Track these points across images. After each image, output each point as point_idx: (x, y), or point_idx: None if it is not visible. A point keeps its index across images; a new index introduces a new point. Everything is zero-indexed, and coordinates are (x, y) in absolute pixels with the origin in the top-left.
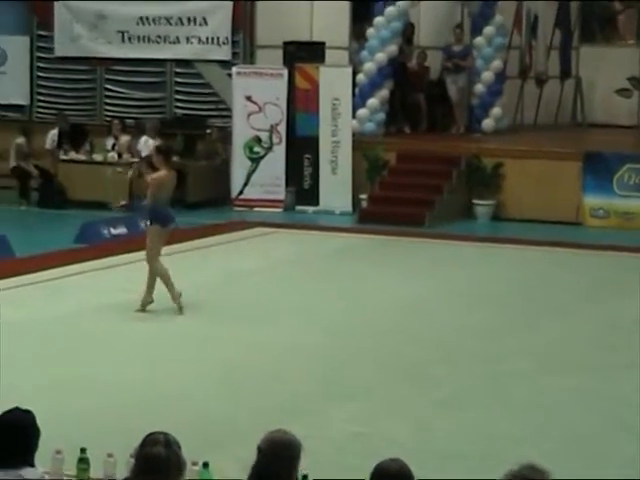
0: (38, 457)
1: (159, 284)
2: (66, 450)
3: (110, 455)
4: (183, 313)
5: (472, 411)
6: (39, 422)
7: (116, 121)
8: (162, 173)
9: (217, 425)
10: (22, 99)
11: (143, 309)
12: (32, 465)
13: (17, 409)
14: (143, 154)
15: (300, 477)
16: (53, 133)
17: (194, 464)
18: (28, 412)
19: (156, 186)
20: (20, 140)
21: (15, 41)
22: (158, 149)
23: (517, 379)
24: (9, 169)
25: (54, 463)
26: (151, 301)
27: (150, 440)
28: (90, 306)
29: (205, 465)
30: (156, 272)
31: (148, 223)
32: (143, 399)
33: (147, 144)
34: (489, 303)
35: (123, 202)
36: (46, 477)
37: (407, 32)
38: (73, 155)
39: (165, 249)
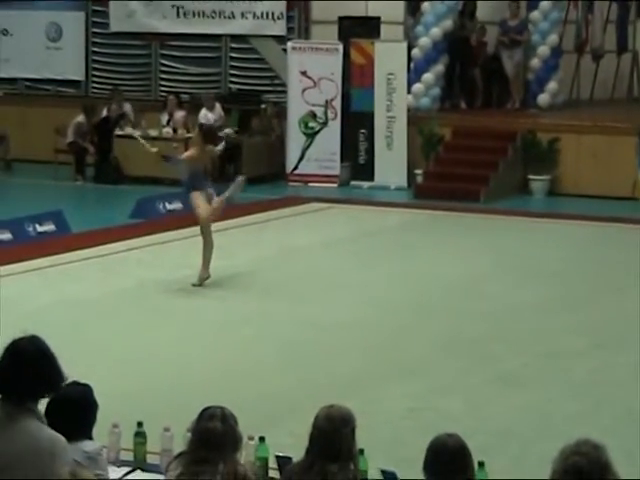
0: (96, 431)
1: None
2: (123, 424)
3: (167, 429)
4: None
5: (528, 388)
6: (97, 396)
7: (172, 96)
8: (190, 152)
9: (274, 401)
10: (77, 75)
11: (200, 284)
12: (91, 438)
13: (75, 383)
14: None
15: (477, 465)
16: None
17: (250, 439)
18: (86, 386)
19: (187, 162)
20: (80, 119)
21: (70, 16)
22: (200, 127)
23: (574, 356)
24: (66, 145)
25: (111, 437)
26: (208, 276)
27: (207, 414)
28: (147, 282)
29: (261, 439)
30: (208, 237)
31: (192, 191)
32: (200, 374)
33: (207, 117)
34: (545, 279)
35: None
36: (104, 450)
37: (469, 7)
38: (129, 130)
39: (220, 224)
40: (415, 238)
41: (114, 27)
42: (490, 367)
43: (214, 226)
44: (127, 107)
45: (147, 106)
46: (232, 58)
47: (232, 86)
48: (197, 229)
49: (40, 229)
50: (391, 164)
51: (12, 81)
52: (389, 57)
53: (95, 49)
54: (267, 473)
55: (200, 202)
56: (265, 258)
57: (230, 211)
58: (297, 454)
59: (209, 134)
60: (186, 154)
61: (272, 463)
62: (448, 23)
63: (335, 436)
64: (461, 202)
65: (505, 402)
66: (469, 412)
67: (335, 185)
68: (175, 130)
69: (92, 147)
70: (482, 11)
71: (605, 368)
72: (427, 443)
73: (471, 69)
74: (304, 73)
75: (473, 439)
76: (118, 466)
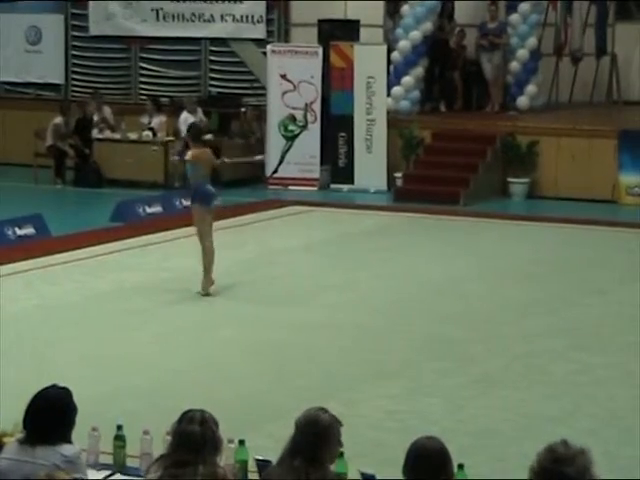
0: (75, 434)
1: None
2: (102, 427)
3: (146, 432)
4: (207, 295)
5: (508, 389)
6: (76, 399)
7: (148, 102)
8: (194, 151)
9: (253, 403)
10: (57, 78)
11: (206, 293)
12: (70, 442)
13: (54, 386)
14: (183, 131)
15: (456, 466)
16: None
17: (230, 442)
18: (65, 389)
19: (192, 162)
20: (58, 120)
21: (50, 19)
22: (187, 129)
23: (553, 357)
24: (45, 148)
25: (91, 440)
26: (212, 283)
27: (186, 417)
28: (126, 285)
29: (241, 443)
30: (207, 250)
31: (190, 202)
32: (180, 377)
33: (187, 121)
34: (524, 281)
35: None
36: (83, 454)
37: (447, 9)
38: (108, 134)
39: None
40: (395, 240)
41: (94, 30)
42: (469, 368)
43: (193, 229)
44: (107, 110)
45: (127, 109)
46: (212, 61)
47: (212, 89)
48: (177, 232)
49: (20, 232)
50: (371, 167)
51: None
52: (369, 60)
53: (75, 52)
54: (247, 476)
55: (199, 223)
56: (245, 261)
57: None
58: (277, 457)
59: (197, 133)
60: (188, 155)
61: (252, 466)
62: (428, 26)
63: (312, 439)
64: (441, 205)
65: (485, 403)
66: (448, 414)
67: (315, 188)
68: (155, 134)
69: (72, 150)
70: (461, 14)
71: (584, 369)
72: (407, 445)
73: (451, 72)
74: (284, 76)
75: (453, 441)
76: (98, 469)
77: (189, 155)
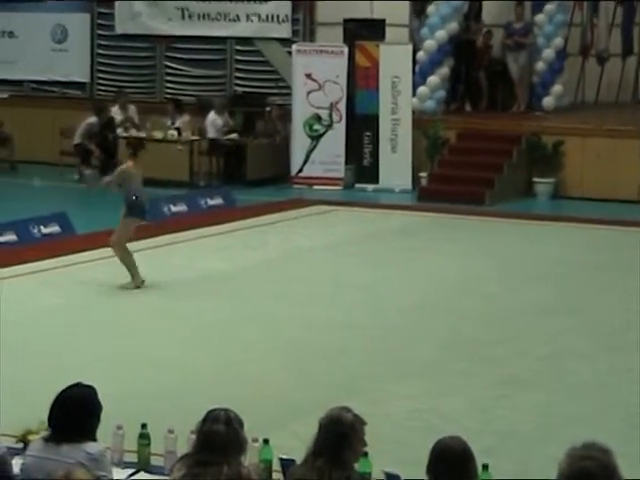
0: (99, 432)
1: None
2: (127, 426)
3: (171, 431)
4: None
5: (532, 390)
6: (100, 398)
7: (170, 104)
8: (126, 165)
9: (277, 402)
10: (83, 76)
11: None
12: (94, 440)
13: (79, 384)
14: (210, 131)
15: (481, 467)
16: (114, 110)
17: (254, 441)
18: (90, 387)
19: (121, 178)
20: (92, 120)
21: (76, 18)
22: (127, 142)
23: (577, 358)
24: (72, 146)
25: (115, 438)
26: (142, 281)
27: (211, 417)
28: (151, 283)
29: (266, 442)
30: (123, 259)
31: (124, 212)
32: (204, 376)
33: (215, 123)
34: (549, 281)
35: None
36: (108, 452)
37: (474, 9)
38: (133, 133)
39: (225, 227)
40: (419, 240)
41: (119, 29)
42: (493, 369)
43: (218, 229)
44: (132, 109)
45: (152, 108)
46: (237, 60)
47: (237, 88)
48: (202, 231)
49: (45, 231)
50: (396, 167)
51: (18, 83)
52: (394, 60)
53: (100, 51)
54: (271, 475)
55: (125, 234)
56: (270, 260)
57: (235, 214)
58: (301, 456)
59: (136, 149)
60: (119, 169)
61: (276, 465)
62: (453, 25)
63: (336, 439)
64: (466, 205)
65: (508, 404)
66: (472, 414)
67: (340, 188)
68: (180, 133)
69: (97, 149)
70: (488, 14)
71: (609, 370)
72: (430, 445)
73: (476, 72)
74: (309, 76)
75: (476, 441)
76: (122, 468)
77: (121, 169)
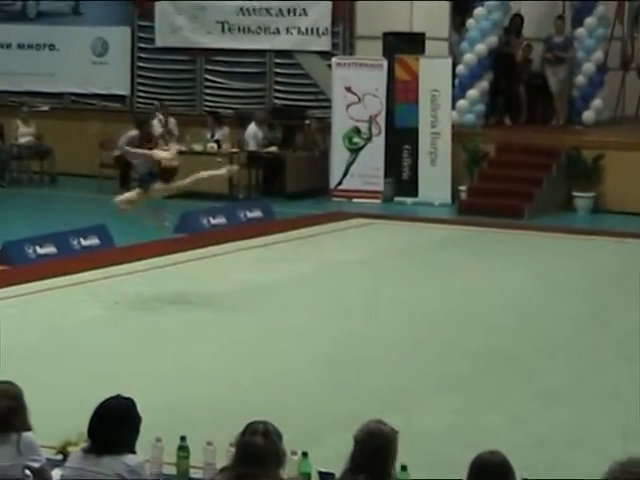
0: (138, 444)
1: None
2: (166, 438)
3: (210, 443)
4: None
5: (571, 404)
6: (139, 410)
7: (210, 117)
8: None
9: (316, 416)
10: (123, 89)
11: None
12: (134, 452)
13: (119, 396)
14: (250, 144)
15: (399, 467)
16: (153, 123)
17: (293, 453)
18: (129, 399)
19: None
20: (134, 132)
21: (116, 31)
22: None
23: (617, 372)
24: (112, 158)
25: (154, 450)
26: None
27: (250, 429)
28: (189, 296)
29: (304, 455)
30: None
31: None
32: (243, 389)
33: (256, 136)
34: (587, 296)
35: None
36: (147, 464)
37: (516, 24)
38: (173, 145)
39: (263, 239)
40: (458, 254)
41: (159, 42)
42: (532, 383)
43: (257, 241)
44: (171, 122)
45: (192, 121)
46: (277, 73)
47: (276, 101)
48: (240, 243)
49: (84, 243)
50: (435, 180)
51: (58, 95)
52: (433, 73)
53: (140, 64)
54: None
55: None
56: (307, 273)
57: (273, 226)
58: (339, 469)
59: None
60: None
61: (315, 479)
62: (493, 39)
63: (377, 453)
64: (505, 218)
65: (547, 418)
66: (511, 428)
67: (379, 201)
68: (220, 145)
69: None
70: (528, 27)
71: None
72: (469, 459)
73: (516, 85)
74: (348, 89)
75: (515, 456)
76: None
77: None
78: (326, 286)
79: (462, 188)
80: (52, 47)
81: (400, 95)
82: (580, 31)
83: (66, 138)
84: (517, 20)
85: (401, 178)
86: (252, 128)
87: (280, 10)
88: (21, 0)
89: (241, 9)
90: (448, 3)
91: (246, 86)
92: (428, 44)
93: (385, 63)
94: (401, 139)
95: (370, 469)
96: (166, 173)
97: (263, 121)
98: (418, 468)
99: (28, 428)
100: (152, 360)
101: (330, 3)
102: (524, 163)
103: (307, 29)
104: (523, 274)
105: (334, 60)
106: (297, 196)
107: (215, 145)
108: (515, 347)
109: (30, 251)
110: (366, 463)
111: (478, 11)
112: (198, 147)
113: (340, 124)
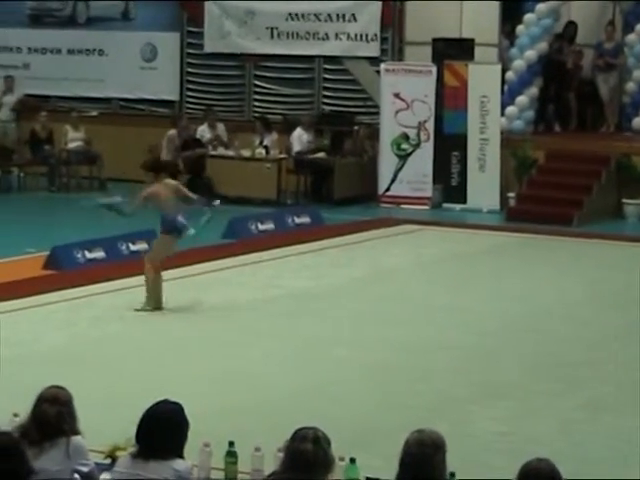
0: (187, 449)
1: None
2: (214, 443)
3: (258, 449)
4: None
5: (619, 414)
6: (187, 415)
7: (258, 122)
8: (152, 188)
9: (364, 422)
10: (171, 95)
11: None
12: (182, 457)
13: (167, 401)
14: (295, 146)
15: (448, 475)
16: (202, 128)
17: (341, 459)
18: (177, 404)
19: (150, 200)
20: (171, 132)
21: (165, 37)
22: (144, 166)
23: None
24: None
25: (202, 456)
26: (158, 308)
27: (299, 436)
28: (238, 302)
29: (352, 461)
30: (146, 276)
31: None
32: (291, 395)
33: (301, 138)
34: (636, 305)
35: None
36: (195, 470)
37: (570, 31)
38: (222, 151)
39: (312, 245)
40: (507, 261)
41: (208, 48)
42: (580, 392)
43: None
44: (220, 127)
45: (240, 126)
46: (325, 79)
47: (325, 107)
48: (289, 249)
49: (133, 248)
50: (484, 187)
51: (107, 101)
52: (483, 79)
53: (189, 69)
54: None
55: (157, 251)
56: (356, 279)
57: (321, 232)
58: (387, 476)
59: (157, 170)
60: (145, 191)
61: None
62: (543, 45)
63: (426, 461)
64: (554, 226)
65: (593, 428)
66: (559, 437)
67: (427, 207)
68: (268, 151)
69: (182, 164)
70: (578, 34)
71: None
72: (517, 467)
73: (566, 92)
74: (397, 95)
75: (563, 464)
76: None
77: (145, 192)
78: (375, 292)
79: (511, 195)
80: (101, 52)
81: (449, 101)
82: (631, 37)
83: (114, 143)
84: (571, 27)
85: (450, 184)
86: (298, 131)
87: (329, 16)
88: (72, 0)
89: (290, 14)
90: (498, 10)
91: (295, 92)
92: (477, 50)
93: (434, 69)
94: (450, 145)
95: (419, 476)
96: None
97: (310, 125)
98: (467, 475)
99: (77, 432)
100: (200, 365)
101: (379, 9)
102: (574, 170)
103: (356, 35)
104: (572, 282)
105: (383, 66)
106: (345, 202)
107: (263, 151)
108: (564, 355)
109: (79, 256)
110: (415, 471)
111: (528, 17)
112: (246, 153)
113: (388, 130)
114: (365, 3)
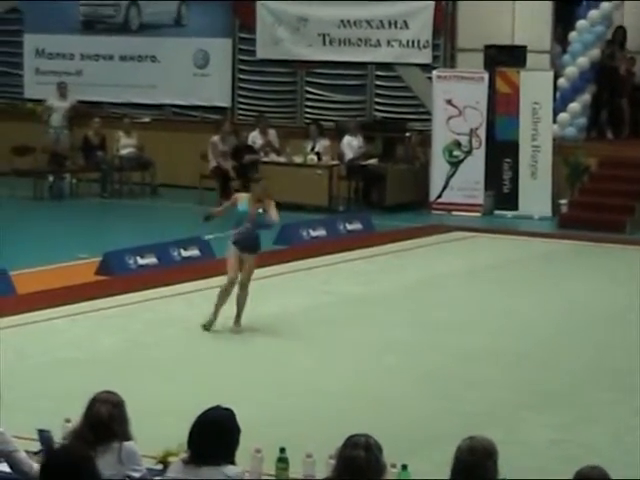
0: (238, 455)
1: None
2: (266, 449)
3: (309, 455)
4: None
5: None
6: (240, 421)
7: (313, 126)
8: (237, 195)
9: (415, 428)
10: (223, 101)
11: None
12: (233, 463)
13: (218, 407)
14: (347, 153)
15: None
16: (254, 135)
17: (393, 466)
18: (229, 410)
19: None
20: (214, 138)
21: (217, 43)
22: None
23: None
24: (210, 170)
25: (254, 462)
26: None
27: (351, 442)
28: (289, 308)
29: (404, 467)
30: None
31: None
32: (342, 401)
33: (351, 145)
34: None
35: None
36: (246, 475)
37: (619, 36)
38: (273, 157)
39: (363, 252)
40: (559, 268)
41: (260, 54)
42: (634, 398)
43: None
44: (272, 134)
45: (292, 133)
46: (377, 86)
47: (377, 114)
48: (340, 256)
49: (185, 254)
50: (535, 193)
51: (159, 107)
52: (535, 86)
53: (241, 76)
54: None
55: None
56: (409, 285)
57: (373, 239)
58: None
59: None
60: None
61: None
62: (595, 52)
63: (478, 468)
64: (606, 233)
65: None
66: (613, 444)
67: (479, 214)
68: (320, 157)
69: (233, 172)
70: (631, 41)
71: None
72: (571, 475)
73: (618, 98)
74: (449, 101)
75: (616, 472)
76: None
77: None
78: (428, 299)
79: (563, 202)
80: (154, 59)
81: (501, 108)
82: None
83: (167, 149)
84: (620, 32)
85: (501, 191)
86: (346, 138)
87: (381, 22)
88: (125, 0)
89: (342, 21)
90: (550, 16)
91: (346, 98)
92: (529, 57)
93: (486, 76)
94: (501, 152)
95: None
96: None
97: (356, 130)
98: None
99: (129, 437)
100: (252, 371)
101: (431, 16)
102: (626, 177)
103: (408, 42)
104: (625, 289)
105: (435, 73)
106: (396, 209)
107: (315, 157)
108: (617, 362)
109: (131, 261)
110: (466, 478)
111: (580, 24)
112: (298, 159)
113: (440, 137)
114: (417, 8)
